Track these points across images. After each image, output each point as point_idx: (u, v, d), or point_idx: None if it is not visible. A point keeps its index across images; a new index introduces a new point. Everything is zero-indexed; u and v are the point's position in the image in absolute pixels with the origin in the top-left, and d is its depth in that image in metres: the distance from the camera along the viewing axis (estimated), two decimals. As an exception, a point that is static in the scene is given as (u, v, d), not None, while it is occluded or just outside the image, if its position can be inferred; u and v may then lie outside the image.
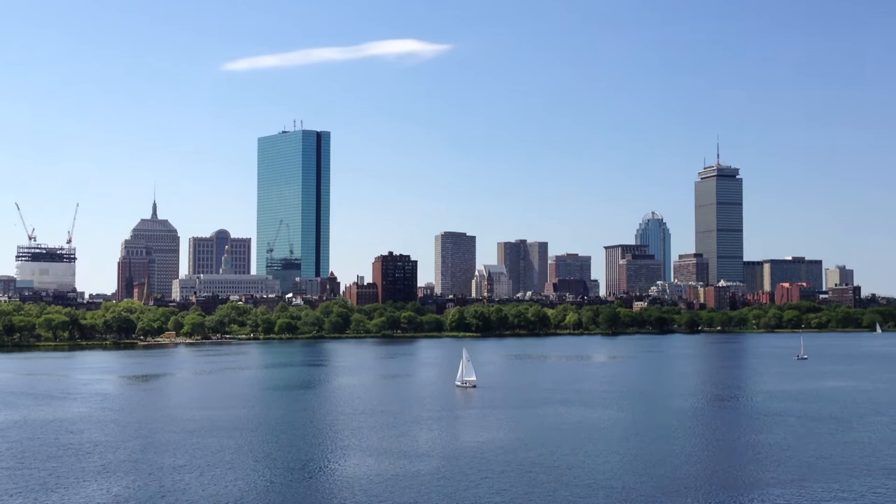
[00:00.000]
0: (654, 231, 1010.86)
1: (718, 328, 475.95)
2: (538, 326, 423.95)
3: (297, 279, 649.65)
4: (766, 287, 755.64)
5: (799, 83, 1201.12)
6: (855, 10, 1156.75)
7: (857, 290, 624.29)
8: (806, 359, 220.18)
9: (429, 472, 72.71)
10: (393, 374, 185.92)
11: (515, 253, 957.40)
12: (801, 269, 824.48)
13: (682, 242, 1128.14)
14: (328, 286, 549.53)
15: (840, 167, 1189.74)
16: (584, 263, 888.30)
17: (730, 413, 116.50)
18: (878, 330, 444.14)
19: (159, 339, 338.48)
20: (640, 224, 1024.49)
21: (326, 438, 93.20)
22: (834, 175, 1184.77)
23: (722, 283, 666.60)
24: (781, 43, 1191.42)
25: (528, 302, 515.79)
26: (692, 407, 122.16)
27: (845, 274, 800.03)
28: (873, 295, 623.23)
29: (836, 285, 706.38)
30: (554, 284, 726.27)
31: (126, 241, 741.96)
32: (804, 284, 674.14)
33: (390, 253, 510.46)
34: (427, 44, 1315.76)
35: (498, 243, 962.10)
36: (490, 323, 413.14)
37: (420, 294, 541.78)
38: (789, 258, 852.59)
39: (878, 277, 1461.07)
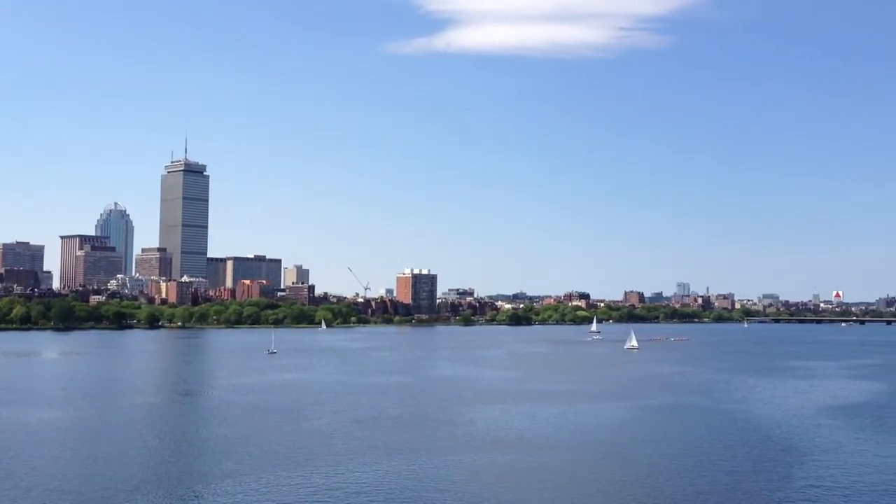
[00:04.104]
0: (117, 223, 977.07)
1: (179, 324, 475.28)
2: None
3: None
4: (229, 283, 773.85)
5: (281, 87, 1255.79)
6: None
7: (312, 288, 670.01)
8: (276, 353, 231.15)
9: None
10: None
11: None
12: (263, 267, 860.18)
13: (147, 236, 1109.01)
14: None
15: (302, 175, 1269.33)
16: (36, 253, 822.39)
17: (197, 408, 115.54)
18: (324, 326, 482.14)
19: None
20: (102, 214, 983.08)
21: None
22: (294, 180, 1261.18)
23: (185, 278, 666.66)
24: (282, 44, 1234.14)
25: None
26: (157, 403, 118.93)
27: (302, 273, 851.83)
28: (325, 293, 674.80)
29: (293, 283, 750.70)
30: (0, 275, 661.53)
31: None
32: (265, 282, 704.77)
33: None
34: None
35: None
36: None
37: None
38: (251, 256, 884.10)
39: (332, 276, 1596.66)
